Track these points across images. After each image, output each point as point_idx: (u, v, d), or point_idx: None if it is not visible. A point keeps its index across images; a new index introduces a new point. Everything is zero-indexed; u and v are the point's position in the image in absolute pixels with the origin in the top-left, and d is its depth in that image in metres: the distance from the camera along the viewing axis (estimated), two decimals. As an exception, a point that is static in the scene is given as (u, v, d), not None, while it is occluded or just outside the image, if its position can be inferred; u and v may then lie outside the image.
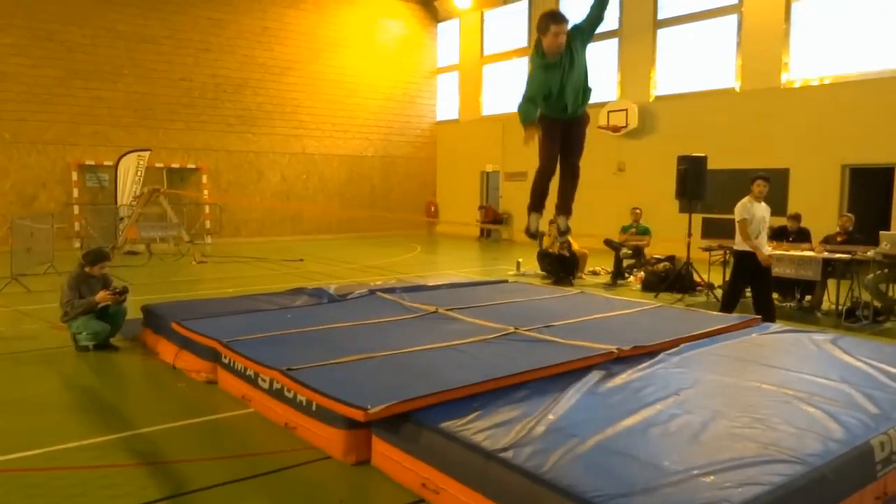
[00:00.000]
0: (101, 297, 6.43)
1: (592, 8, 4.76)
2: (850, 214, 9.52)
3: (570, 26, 4.59)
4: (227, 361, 5.25)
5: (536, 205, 5.08)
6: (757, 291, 7.69)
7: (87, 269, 6.56)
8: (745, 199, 7.39)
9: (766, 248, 7.60)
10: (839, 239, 8.96)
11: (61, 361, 6.19)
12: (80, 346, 6.44)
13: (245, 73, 18.92)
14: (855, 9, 13.05)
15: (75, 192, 16.65)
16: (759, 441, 3.32)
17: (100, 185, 17.05)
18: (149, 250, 14.68)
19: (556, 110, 4.79)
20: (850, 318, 8.21)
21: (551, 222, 12.41)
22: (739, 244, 7.46)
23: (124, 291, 6.61)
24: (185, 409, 4.90)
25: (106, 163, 16.64)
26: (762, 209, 7.41)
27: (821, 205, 12.79)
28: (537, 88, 4.61)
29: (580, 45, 4.67)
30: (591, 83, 4.87)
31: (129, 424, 4.55)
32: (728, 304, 7.67)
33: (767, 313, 7.14)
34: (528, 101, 4.63)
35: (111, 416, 4.77)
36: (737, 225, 7.41)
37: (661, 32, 16.35)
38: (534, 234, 5.35)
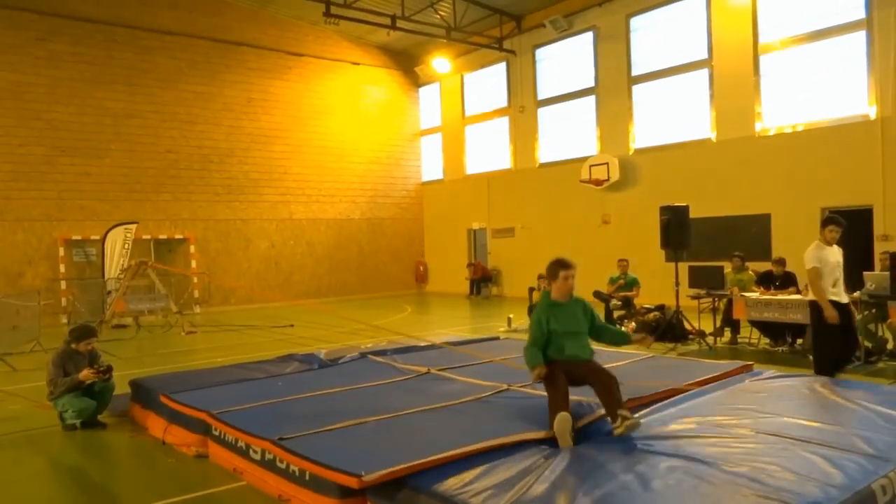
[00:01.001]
0: (85, 375, 6.32)
1: (603, 334, 5.22)
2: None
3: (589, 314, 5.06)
4: (217, 433, 5.15)
5: (563, 406, 4.44)
6: (843, 343, 6.70)
7: (73, 346, 6.48)
8: (815, 245, 6.72)
9: (844, 296, 6.75)
10: (825, 281, 9.02)
11: (47, 442, 6.05)
12: (67, 425, 6.30)
13: (231, 142, 19.20)
14: (819, 59, 13.53)
15: (62, 268, 16.58)
16: (760, 490, 3.28)
17: (87, 260, 17.00)
18: (137, 323, 14.54)
19: (562, 353, 4.84)
20: (843, 360, 8.19)
21: (540, 277, 12.50)
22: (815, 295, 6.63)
23: (109, 370, 6.50)
24: (175, 485, 4.77)
25: (93, 237, 16.64)
26: (835, 253, 6.69)
27: (803, 248, 12.85)
28: (541, 330, 4.84)
29: (585, 316, 5.03)
30: (591, 345, 5.08)
31: (117, 504, 4.43)
32: (826, 365, 6.56)
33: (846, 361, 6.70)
34: (532, 345, 4.85)
35: (99, 497, 4.64)
36: (807, 274, 6.65)
37: (636, 88, 16.84)
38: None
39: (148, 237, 17.53)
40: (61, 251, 16.59)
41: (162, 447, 5.65)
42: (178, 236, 18.31)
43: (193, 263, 18.35)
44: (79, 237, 16.81)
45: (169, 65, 18.15)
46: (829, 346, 6.63)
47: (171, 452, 5.52)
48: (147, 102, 17.83)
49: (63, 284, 16.51)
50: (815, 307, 6.65)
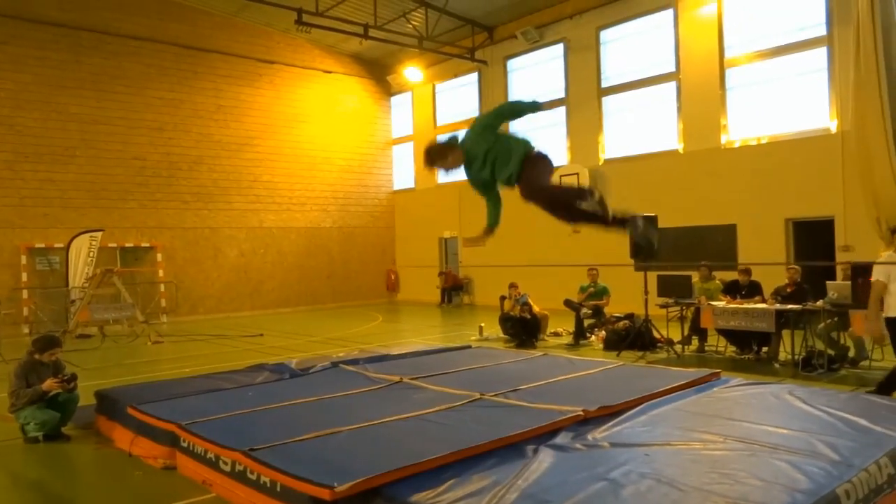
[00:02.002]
0: (48, 385, 6.18)
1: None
2: (796, 266, 9.87)
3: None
4: (186, 445, 5.06)
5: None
6: None
7: (37, 357, 6.33)
8: (887, 254, 6.45)
9: None
10: (788, 290, 9.24)
11: (7, 455, 5.89)
12: (29, 438, 6.14)
13: (200, 150, 18.97)
14: (782, 74, 13.89)
15: (24, 276, 16.17)
16: (729, 496, 3.34)
17: (50, 268, 16.62)
18: (102, 333, 14.24)
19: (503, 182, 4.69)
20: (807, 368, 8.39)
21: (511, 286, 12.56)
22: (891, 309, 6.15)
23: (73, 379, 6.36)
24: (142, 498, 4.69)
25: (57, 245, 16.28)
26: None
27: (769, 258, 13.23)
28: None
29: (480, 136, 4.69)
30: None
31: (82, 519, 4.33)
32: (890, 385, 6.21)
33: None
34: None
35: (63, 511, 4.53)
36: (872, 284, 6.20)
37: (606, 99, 17.07)
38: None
39: (114, 245, 17.21)
40: (24, 259, 16.19)
41: (128, 459, 5.54)
42: (144, 244, 18.01)
43: (161, 272, 18.07)
44: (42, 245, 16.42)
45: (137, 70, 17.89)
46: None
47: (137, 465, 5.41)
48: (114, 108, 17.54)
49: (25, 293, 16.10)
50: (893, 323, 6.20)
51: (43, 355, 6.35)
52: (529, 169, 4.55)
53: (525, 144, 4.66)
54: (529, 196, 4.54)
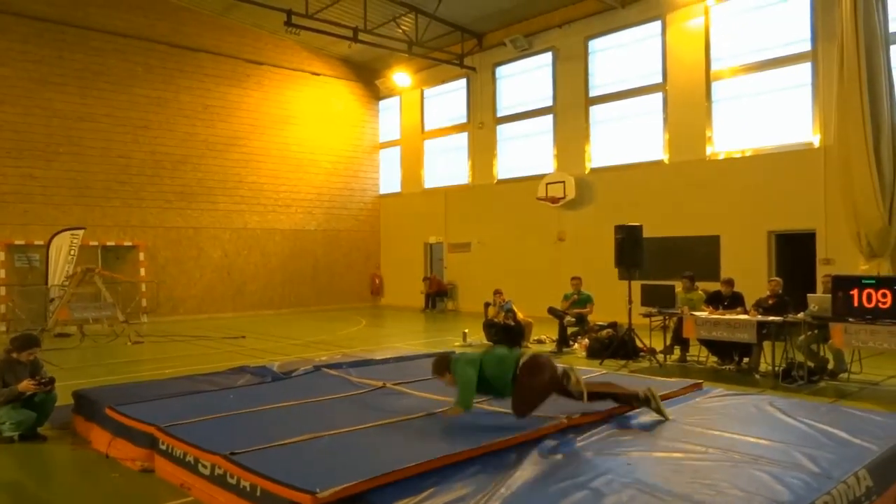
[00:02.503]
0: (25, 386, 6.08)
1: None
2: (778, 278, 9.96)
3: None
4: (164, 447, 5.00)
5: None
6: None
7: (14, 356, 6.23)
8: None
9: None
10: (770, 302, 9.32)
11: (-18, 455, 5.78)
12: (4, 438, 6.03)
13: (185, 149, 18.83)
14: (767, 88, 14.05)
15: (2, 273, 15.94)
16: (710, 507, 3.35)
17: (29, 266, 16.39)
18: (81, 332, 14.06)
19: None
20: (787, 379, 8.46)
21: (496, 292, 12.57)
22: None
23: (51, 382, 6.25)
24: (119, 500, 4.62)
25: (37, 242, 16.07)
26: None
27: (751, 270, 13.35)
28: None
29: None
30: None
31: (57, 521, 4.26)
32: None
33: None
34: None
35: (37, 513, 4.45)
36: None
37: (593, 109, 17.17)
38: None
39: (95, 244, 17.01)
40: (2, 256, 15.96)
41: (105, 461, 5.46)
42: (127, 243, 17.82)
43: (142, 271, 17.88)
44: (22, 242, 16.20)
45: (123, 68, 17.74)
46: None
47: (114, 467, 5.33)
48: (99, 105, 17.36)
49: (3, 291, 15.87)
50: None
51: (21, 354, 6.25)
52: (523, 372, 5.10)
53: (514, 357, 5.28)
54: (528, 395, 5.03)
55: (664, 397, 5.88)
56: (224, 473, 4.28)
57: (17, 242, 16.16)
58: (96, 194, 17.32)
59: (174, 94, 18.63)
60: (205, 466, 4.50)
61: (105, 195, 17.46)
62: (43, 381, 6.19)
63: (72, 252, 15.31)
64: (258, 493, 3.98)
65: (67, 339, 13.62)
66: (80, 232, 15.70)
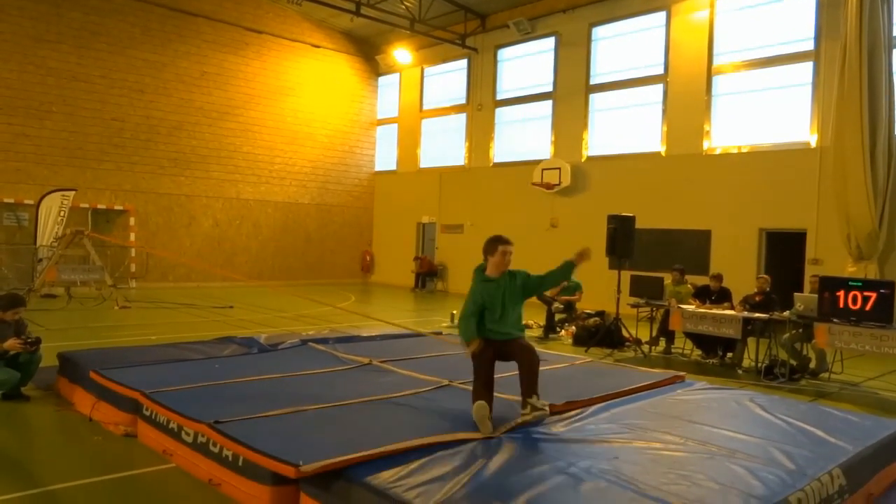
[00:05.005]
0: (10, 344, 6.07)
1: (546, 281, 5.17)
2: (766, 276, 10.04)
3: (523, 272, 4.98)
4: (148, 413, 5.02)
5: (482, 395, 4.57)
6: None
7: (-1, 314, 6.21)
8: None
9: None
10: (757, 299, 9.39)
11: (-36, 412, 5.78)
12: (-13, 396, 6.04)
13: (181, 115, 18.66)
14: (767, 85, 14.04)
15: (-10, 231, 15.85)
16: (686, 497, 3.40)
17: (18, 224, 16.27)
18: (68, 293, 14.01)
19: (494, 329, 4.79)
20: (769, 376, 8.55)
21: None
22: None
23: (37, 342, 6.23)
24: (100, 464, 4.64)
25: (27, 201, 15.92)
26: None
27: (740, 266, 13.44)
28: (476, 303, 4.78)
29: (521, 287, 4.93)
30: (523, 322, 5.05)
31: (38, 481, 4.27)
32: None
33: None
34: (468, 317, 4.78)
35: (19, 472, 4.46)
36: None
37: (593, 96, 17.12)
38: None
39: (86, 206, 16.90)
40: (-9, 213, 15.85)
41: (88, 424, 5.48)
42: (118, 207, 17.71)
43: (132, 236, 17.79)
44: (11, 200, 16.06)
45: (120, 29, 17.50)
46: None
47: (97, 430, 5.35)
48: (94, 66, 17.15)
49: (-9, 248, 15.78)
50: None
51: (6, 314, 6.24)
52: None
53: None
54: (512, 347, 4.79)
55: (647, 387, 5.95)
56: (207, 442, 4.31)
57: (6, 200, 16.01)
58: (89, 156, 17.17)
59: (171, 58, 18.42)
60: (188, 434, 4.53)
61: (98, 157, 17.31)
62: (29, 340, 6.18)
63: (62, 213, 15.20)
64: (240, 463, 4.01)
65: (54, 301, 13.58)
66: (71, 193, 15.58)
